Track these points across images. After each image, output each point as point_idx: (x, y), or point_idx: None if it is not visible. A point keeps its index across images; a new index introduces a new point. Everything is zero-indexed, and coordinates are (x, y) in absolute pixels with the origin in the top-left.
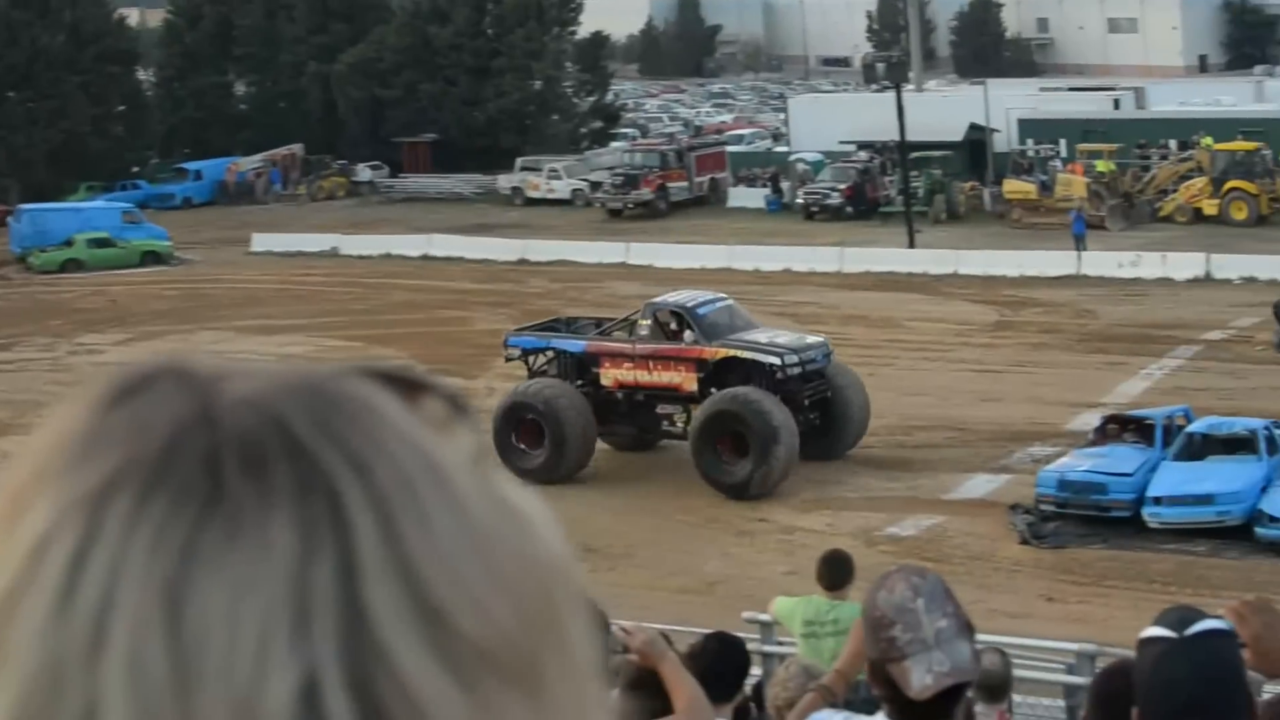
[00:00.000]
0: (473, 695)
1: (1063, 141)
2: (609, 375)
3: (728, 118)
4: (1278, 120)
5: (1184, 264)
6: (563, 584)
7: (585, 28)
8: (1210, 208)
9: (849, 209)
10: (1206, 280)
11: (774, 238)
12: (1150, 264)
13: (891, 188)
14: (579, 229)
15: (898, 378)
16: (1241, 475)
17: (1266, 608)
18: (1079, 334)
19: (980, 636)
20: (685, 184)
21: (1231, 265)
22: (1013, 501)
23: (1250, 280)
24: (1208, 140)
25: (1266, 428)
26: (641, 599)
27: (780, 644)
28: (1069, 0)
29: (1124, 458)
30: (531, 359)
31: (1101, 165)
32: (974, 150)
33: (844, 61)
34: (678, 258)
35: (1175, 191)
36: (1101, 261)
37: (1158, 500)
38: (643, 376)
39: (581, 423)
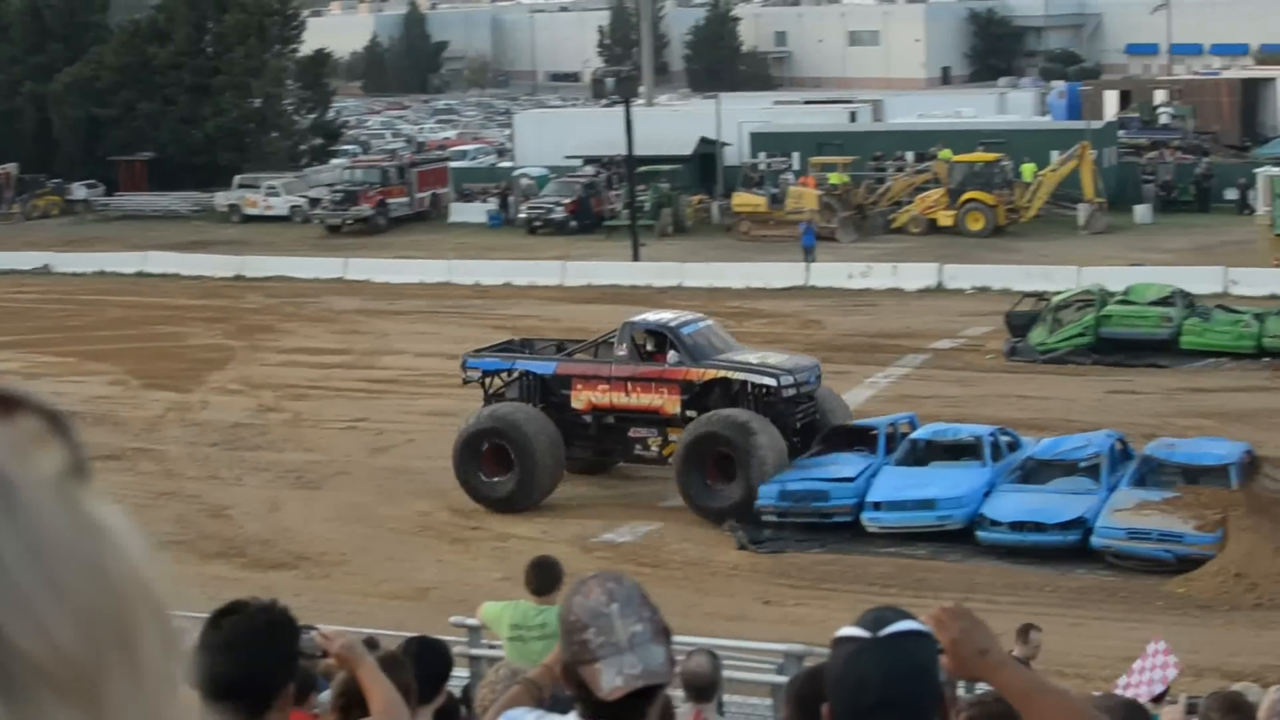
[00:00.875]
0: (21, 710)
1: (796, 154)
2: (581, 398)
3: (452, 134)
4: (1019, 131)
5: (916, 274)
6: (140, 602)
7: (308, 45)
8: (946, 219)
9: (573, 223)
10: (938, 290)
11: (495, 252)
12: (881, 275)
13: (618, 202)
14: (297, 245)
15: None
16: (964, 480)
17: (964, 614)
18: (804, 344)
19: (694, 639)
20: (406, 200)
21: (964, 275)
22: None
23: (983, 290)
24: (945, 152)
25: (993, 434)
26: (354, 606)
27: (493, 647)
28: (809, 14)
29: (846, 464)
30: (488, 381)
31: (834, 178)
32: (704, 164)
33: (574, 77)
34: (396, 273)
35: (910, 203)
36: (831, 273)
37: (877, 505)
38: (619, 399)
39: (551, 447)
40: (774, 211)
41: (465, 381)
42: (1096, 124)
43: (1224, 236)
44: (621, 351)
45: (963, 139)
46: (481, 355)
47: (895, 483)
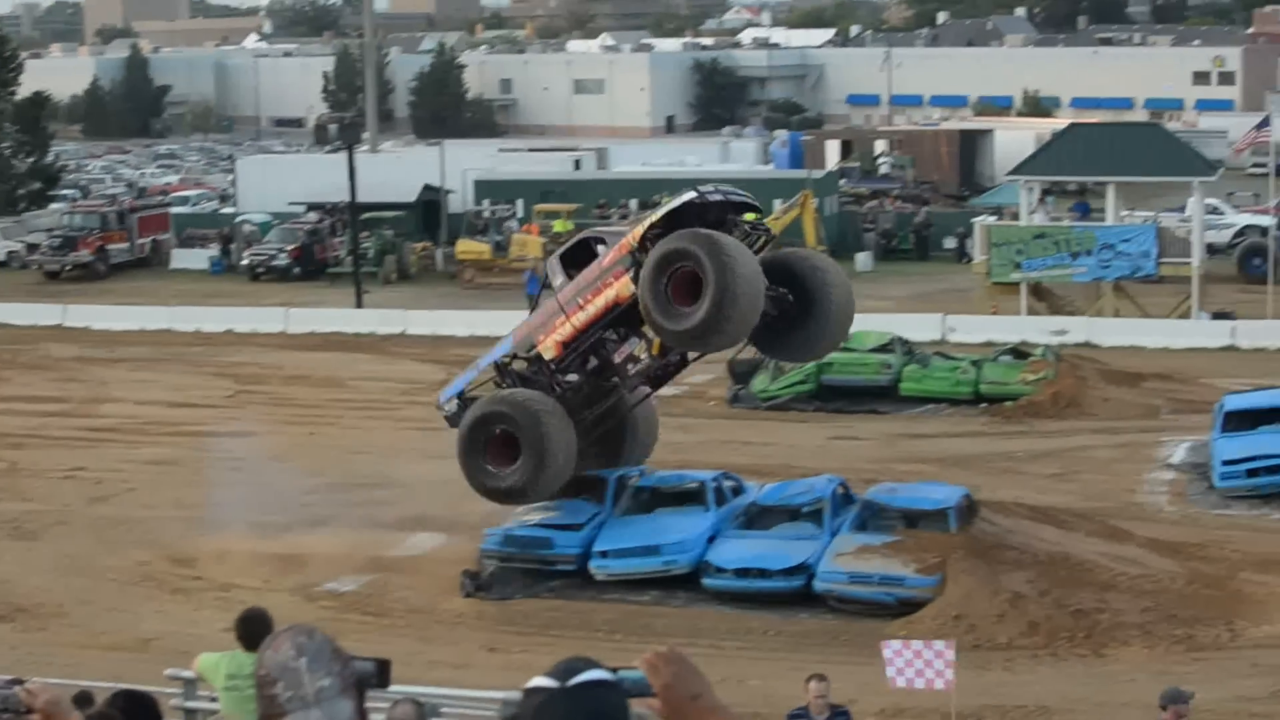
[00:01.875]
0: None
1: (520, 202)
2: (549, 346)
3: (174, 179)
4: (741, 180)
5: None
6: None
7: (26, 87)
8: None
9: (296, 270)
10: None
11: (217, 299)
12: None
13: (341, 248)
14: (14, 291)
15: (341, 436)
16: (688, 526)
17: (678, 658)
18: None
19: (413, 688)
20: (126, 245)
21: None
22: (456, 557)
23: None
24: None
25: (715, 479)
26: (73, 658)
27: (214, 700)
28: (534, 61)
29: (572, 512)
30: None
31: (559, 225)
32: (428, 211)
33: (298, 122)
34: (116, 319)
35: None
36: None
37: (604, 554)
38: (579, 318)
39: (563, 429)
40: (498, 259)
41: (450, 420)
42: (818, 173)
43: (942, 284)
44: (557, 280)
45: (687, 187)
46: (445, 385)
47: (622, 531)
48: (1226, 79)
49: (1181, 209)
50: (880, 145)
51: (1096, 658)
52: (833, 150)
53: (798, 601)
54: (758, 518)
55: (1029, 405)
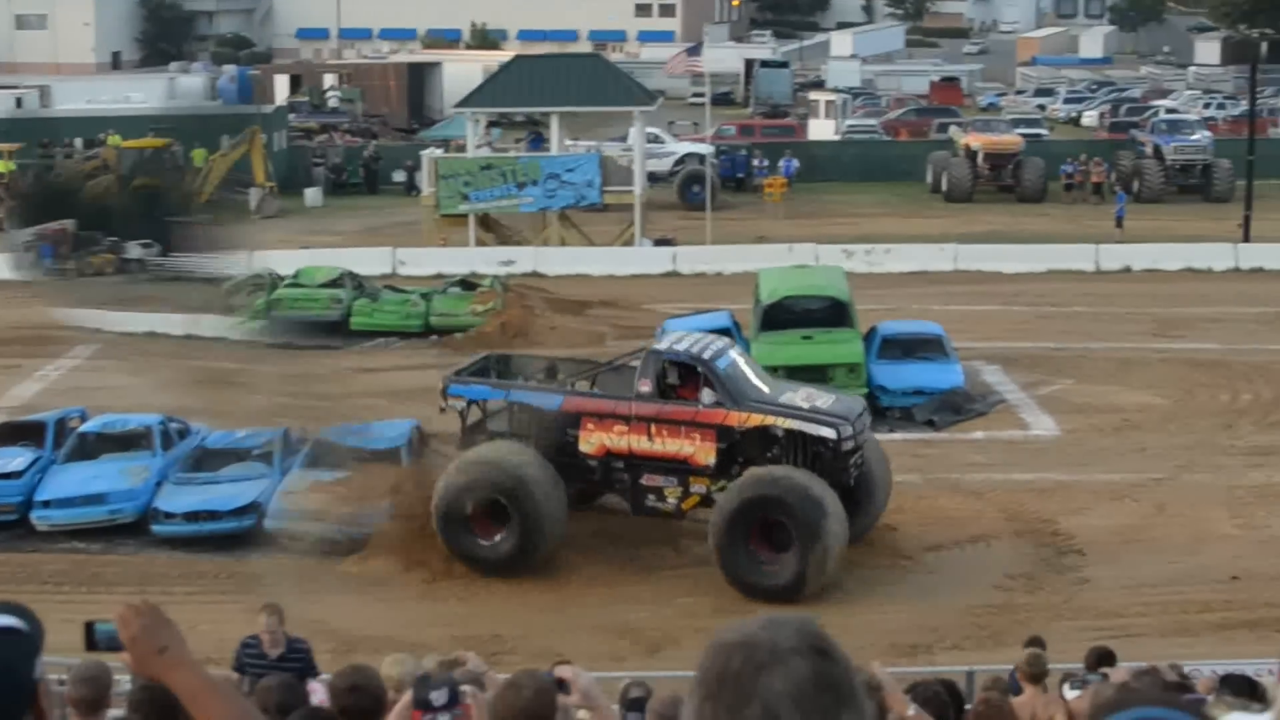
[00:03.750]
0: None
1: None
2: (593, 440)
3: None
4: (188, 116)
5: None
6: None
7: None
8: None
9: None
10: None
11: None
12: None
13: None
14: None
15: None
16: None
17: (148, 611)
18: None
19: None
20: None
21: None
22: None
23: None
24: (115, 138)
25: (161, 423)
26: None
27: None
28: None
29: (10, 461)
30: (468, 410)
31: (1, 166)
32: None
33: None
34: None
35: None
36: None
37: (46, 504)
38: (640, 444)
39: (555, 497)
40: None
41: (443, 410)
42: (267, 108)
43: (392, 218)
44: (645, 387)
45: (133, 124)
46: (466, 381)
47: (66, 479)
48: (667, 11)
49: (624, 138)
50: (329, 79)
51: (549, 583)
52: (282, 85)
53: (250, 542)
54: (205, 460)
55: (479, 336)
